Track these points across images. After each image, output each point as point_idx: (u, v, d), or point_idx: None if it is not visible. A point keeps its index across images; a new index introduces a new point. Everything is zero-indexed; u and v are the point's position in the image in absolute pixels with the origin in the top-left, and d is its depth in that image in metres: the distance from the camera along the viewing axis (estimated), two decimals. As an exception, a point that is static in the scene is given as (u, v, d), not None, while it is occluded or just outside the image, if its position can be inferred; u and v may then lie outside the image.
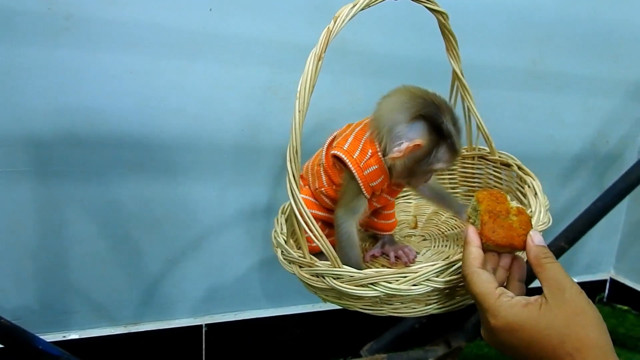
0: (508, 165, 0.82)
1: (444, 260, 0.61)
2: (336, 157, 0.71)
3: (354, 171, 0.69)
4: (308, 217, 0.60)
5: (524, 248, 0.57)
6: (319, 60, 0.60)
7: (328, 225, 0.77)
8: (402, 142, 0.67)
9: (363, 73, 1.11)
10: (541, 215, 0.67)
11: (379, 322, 1.27)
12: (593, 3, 1.21)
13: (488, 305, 0.54)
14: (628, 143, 1.38)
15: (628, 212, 1.44)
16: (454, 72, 0.81)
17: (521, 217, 0.59)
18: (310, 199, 0.77)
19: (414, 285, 0.60)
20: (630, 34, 1.26)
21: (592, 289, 1.47)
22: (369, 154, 0.69)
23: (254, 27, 1.01)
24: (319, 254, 0.66)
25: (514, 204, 0.62)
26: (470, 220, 0.61)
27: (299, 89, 0.59)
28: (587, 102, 1.30)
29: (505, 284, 0.59)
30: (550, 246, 1.21)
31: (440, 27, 0.77)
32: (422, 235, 0.86)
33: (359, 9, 0.62)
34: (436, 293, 0.62)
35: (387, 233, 0.83)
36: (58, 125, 0.94)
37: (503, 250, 0.59)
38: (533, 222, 0.65)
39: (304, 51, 0.60)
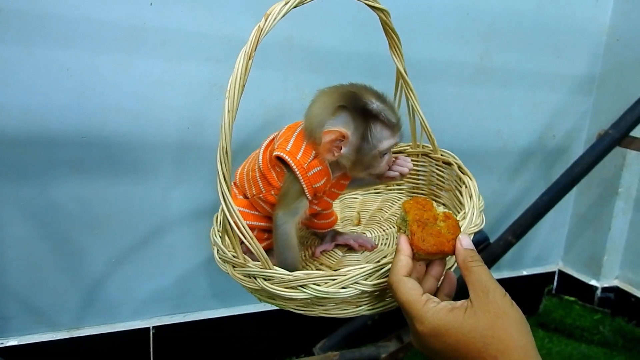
0: (449, 164, 0.82)
1: (374, 262, 0.61)
2: (279, 159, 0.70)
3: (297, 172, 0.68)
4: (239, 218, 0.59)
5: (453, 253, 0.58)
6: (249, 59, 0.59)
7: (268, 232, 0.76)
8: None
9: (311, 69, 1.10)
10: (474, 217, 0.67)
11: (331, 320, 1.26)
12: (536, -2, 1.23)
13: (415, 312, 0.54)
14: (574, 137, 1.41)
15: (575, 205, 1.47)
16: (398, 70, 0.81)
17: (449, 222, 0.60)
18: (247, 210, 0.75)
19: (343, 287, 0.59)
20: (572, 29, 1.29)
21: (541, 281, 1.50)
22: (313, 155, 0.69)
23: (197, 21, 0.99)
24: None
25: (441, 209, 0.62)
26: (401, 230, 0.61)
27: (228, 88, 0.58)
28: (534, 97, 1.32)
29: (434, 293, 0.60)
30: (498, 240, 1.24)
31: (382, 25, 0.76)
32: (364, 233, 0.86)
33: (291, 7, 0.61)
34: (366, 295, 0.62)
35: (329, 230, 0.83)
36: (-11, 124, 0.91)
37: (435, 257, 0.60)
38: (465, 225, 0.65)
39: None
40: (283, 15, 0.60)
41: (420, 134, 0.86)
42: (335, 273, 0.60)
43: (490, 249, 1.24)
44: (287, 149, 0.69)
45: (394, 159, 0.77)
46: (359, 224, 0.90)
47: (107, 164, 1.00)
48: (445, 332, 0.52)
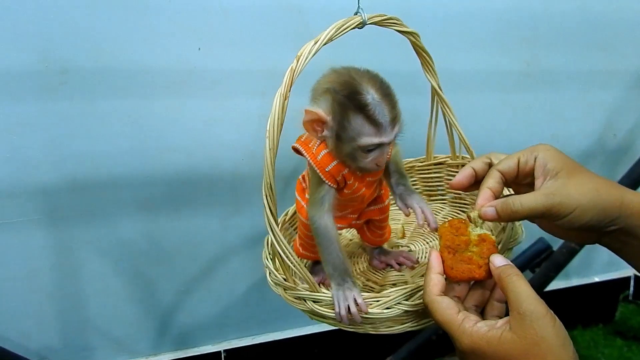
0: None
1: (418, 277, 0.63)
2: (295, 150, 0.72)
3: (307, 156, 0.70)
4: (286, 248, 0.62)
5: (487, 277, 0.58)
6: (285, 100, 0.61)
7: None
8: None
9: (353, 93, 1.13)
10: (512, 232, 0.68)
11: (396, 336, 1.27)
12: (580, -3, 1.20)
13: (452, 332, 0.54)
14: (637, 134, 1.35)
15: (647, 204, 1.40)
16: (432, 87, 0.82)
17: (482, 246, 0.59)
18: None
19: (387, 308, 0.62)
20: (621, 23, 1.23)
21: (615, 287, 1.44)
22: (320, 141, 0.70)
23: (241, 60, 1.04)
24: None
25: (477, 230, 0.61)
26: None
27: (267, 128, 0.61)
28: (587, 97, 1.28)
29: (485, 303, 0.60)
30: (561, 248, 1.20)
31: (413, 47, 0.78)
32: (408, 246, 0.87)
33: (321, 45, 0.62)
34: (409, 313, 0.63)
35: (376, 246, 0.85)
36: (62, 173, 1.00)
37: (469, 281, 0.60)
38: (503, 241, 0.65)
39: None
40: (313, 55, 0.62)
41: (459, 146, 0.87)
42: (378, 295, 0.63)
43: (553, 258, 1.21)
44: (302, 139, 0.72)
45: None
46: (403, 237, 0.91)
47: (169, 200, 1.08)
48: (482, 355, 0.52)
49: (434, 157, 0.94)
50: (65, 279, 1.07)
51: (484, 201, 0.60)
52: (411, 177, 0.95)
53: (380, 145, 0.66)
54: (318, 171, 0.70)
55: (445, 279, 0.59)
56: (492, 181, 0.61)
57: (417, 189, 0.97)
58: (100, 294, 1.09)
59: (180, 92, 1.03)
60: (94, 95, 0.99)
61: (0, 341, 0.98)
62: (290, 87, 0.62)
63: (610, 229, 0.57)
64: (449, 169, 0.92)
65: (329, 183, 0.70)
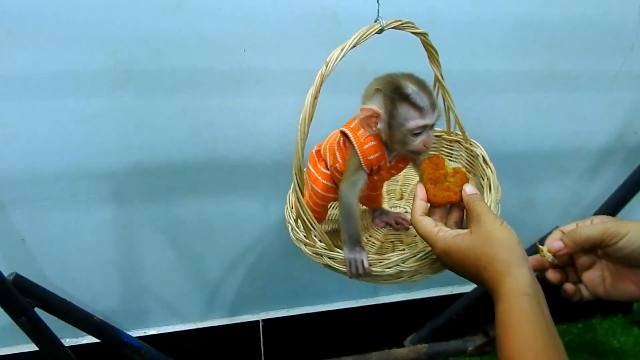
0: (476, 154, 0.93)
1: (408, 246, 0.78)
2: (343, 134, 0.84)
3: (355, 144, 0.81)
4: (310, 217, 0.76)
5: (461, 201, 0.74)
6: (314, 99, 0.73)
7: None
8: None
9: (383, 91, 1.23)
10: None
11: (420, 315, 1.38)
12: (600, 1, 1.25)
13: (430, 240, 0.70)
14: (658, 132, 1.40)
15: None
16: (435, 76, 0.91)
17: (457, 177, 0.75)
18: (328, 183, 0.89)
19: (387, 268, 0.75)
20: (642, 26, 1.29)
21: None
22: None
23: (282, 60, 1.14)
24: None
25: (452, 164, 0.77)
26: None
27: (299, 122, 0.73)
28: (608, 96, 1.33)
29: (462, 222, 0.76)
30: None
31: (423, 44, 0.88)
32: (405, 208, 0.99)
33: (347, 51, 0.73)
34: (403, 273, 0.76)
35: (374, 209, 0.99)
36: (127, 159, 1.14)
37: (447, 205, 0.76)
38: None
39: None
40: (340, 59, 0.73)
41: (454, 126, 0.98)
42: (382, 257, 0.76)
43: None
44: (351, 127, 0.84)
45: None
46: (401, 198, 1.03)
47: (218, 184, 1.21)
48: (451, 252, 0.67)
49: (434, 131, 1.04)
50: (128, 252, 1.23)
51: (551, 240, 0.73)
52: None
53: (424, 128, 0.79)
54: (361, 158, 0.81)
55: (430, 204, 0.75)
56: (554, 235, 0.74)
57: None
58: (157, 265, 1.25)
59: (228, 89, 1.14)
60: (155, 92, 1.11)
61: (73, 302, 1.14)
62: (320, 88, 0.73)
63: None
64: (443, 141, 1.04)
65: (366, 169, 0.82)
